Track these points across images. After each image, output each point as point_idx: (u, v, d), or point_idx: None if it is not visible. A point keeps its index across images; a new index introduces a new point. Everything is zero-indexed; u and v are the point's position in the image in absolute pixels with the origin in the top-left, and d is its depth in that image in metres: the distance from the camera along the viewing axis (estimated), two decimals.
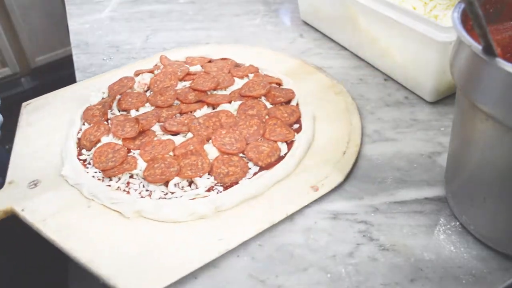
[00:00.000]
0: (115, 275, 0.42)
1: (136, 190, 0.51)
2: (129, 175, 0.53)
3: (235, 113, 0.60)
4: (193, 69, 0.70)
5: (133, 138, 0.57)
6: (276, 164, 0.52)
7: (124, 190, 0.51)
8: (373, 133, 0.58)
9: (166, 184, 0.51)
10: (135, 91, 0.66)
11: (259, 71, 0.69)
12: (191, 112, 0.61)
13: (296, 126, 0.58)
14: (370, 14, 0.65)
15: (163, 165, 0.52)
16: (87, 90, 0.68)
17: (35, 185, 0.53)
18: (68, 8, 0.96)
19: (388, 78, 0.68)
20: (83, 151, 0.57)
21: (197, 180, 0.51)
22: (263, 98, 0.62)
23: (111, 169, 0.53)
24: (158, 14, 0.92)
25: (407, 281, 0.41)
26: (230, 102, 0.62)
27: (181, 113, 0.61)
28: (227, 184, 0.51)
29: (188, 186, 0.51)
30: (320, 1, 0.77)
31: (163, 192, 0.50)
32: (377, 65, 0.69)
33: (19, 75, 1.85)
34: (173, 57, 0.73)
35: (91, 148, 0.57)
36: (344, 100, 0.62)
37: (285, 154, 0.54)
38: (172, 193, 0.50)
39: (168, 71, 0.68)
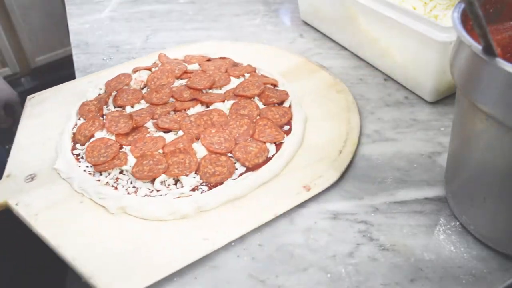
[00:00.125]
0: (96, 274, 0.43)
1: (123, 186, 0.52)
2: (119, 170, 0.53)
3: (227, 112, 0.60)
4: (191, 67, 0.70)
5: (126, 134, 0.58)
6: (263, 165, 0.52)
7: (112, 186, 0.52)
8: (373, 133, 0.58)
9: (153, 181, 0.51)
10: (131, 88, 0.66)
11: (257, 71, 0.69)
12: (185, 110, 0.61)
13: (287, 127, 0.58)
14: (370, 14, 0.65)
15: (151, 162, 0.53)
16: (91, 85, 0.69)
17: (32, 179, 0.54)
18: (68, 8, 0.96)
19: (388, 78, 0.68)
20: (77, 145, 0.58)
21: (183, 178, 0.51)
22: (256, 99, 0.62)
23: (102, 164, 0.54)
24: (158, 14, 0.92)
25: (407, 281, 0.41)
26: (223, 101, 0.62)
27: (175, 111, 0.62)
28: (212, 184, 0.51)
29: (174, 184, 0.51)
30: (320, 1, 0.77)
31: (149, 189, 0.51)
32: (377, 65, 0.69)
33: (19, 75, 1.85)
34: (173, 55, 0.74)
35: (85, 142, 0.58)
36: (345, 99, 0.62)
37: (273, 155, 0.54)
38: (158, 190, 0.51)
39: (166, 68, 0.69)
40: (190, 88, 0.65)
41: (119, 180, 0.52)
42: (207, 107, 0.62)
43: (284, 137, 0.56)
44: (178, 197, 0.49)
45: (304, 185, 0.50)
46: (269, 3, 0.93)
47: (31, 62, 1.87)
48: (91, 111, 0.63)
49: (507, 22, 0.42)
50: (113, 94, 0.65)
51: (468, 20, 0.34)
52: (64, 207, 0.50)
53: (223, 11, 0.91)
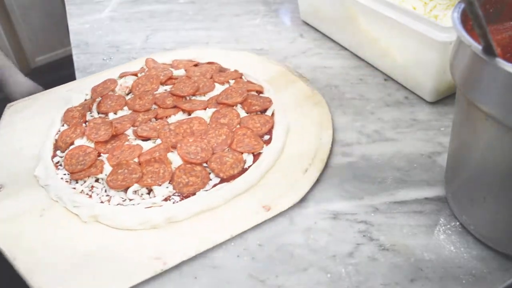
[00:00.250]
0: None
1: (98, 194, 0.51)
2: (95, 179, 0.53)
3: (208, 120, 0.59)
4: (176, 73, 0.69)
5: (106, 142, 0.57)
6: (238, 176, 0.51)
7: (87, 194, 0.52)
8: (373, 133, 0.58)
9: (126, 190, 0.51)
10: (116, 94, 0.66)
11: (243, 77, 0.68)
12: (166, 117, 0.60)
13: (267, 137, 0.57)
14: (370, 14, 0.65)
15: (126, 171, 0.52)
16: (73, 92, 0.68)
17: None
18: (68, 8, 0.96)
19: (388, 78, 0.68)
20: (58, 152, 0.58)
21: (155, 188, 0.51)
22: (239, 106, 0.61)
23: (78, 172, 0.53)
24: (158, 14, 0.92)
25: (407, 281, 0.41)
26: (205, 109, 0.61)
27: (156, 118, 0.61)
28: (184, 195, 0.50)
29: (147, 194, 0.51)
30: (320, 1, 0.77)
31: (122, 198, 0.50)
32: (377, 65, 0.69)
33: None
34: (161, 59, 0.73)
35: (66, 149, 0.57)
36: (320, 112, 0.60)
37: (249, 167, 0.53)
38: (131, 199, 0.50)
39: (151, 74, 0.68)
40: (173, 95, 0.64)
41: (94, 188, 0.52)
42: (189, 114, 0.61)
43: (263, 147, 0.55)
44: (150, 207, 0.49)
45: (264, 204, 0.49)
46: (269, 3, 0.93)
47: (31, 62, 1.87)
48: (74, 117, 0.62)
49: (507, 22, 0.42)
50: (98, 100, 0.64)
51: (468, 20, 0.34)
52: (25, 218, 0.50)
53: (223, 11, 0.91)
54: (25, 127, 0.63)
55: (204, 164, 0.53)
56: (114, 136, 0.58)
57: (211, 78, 0.67)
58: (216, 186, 0.51)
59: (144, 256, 0.44)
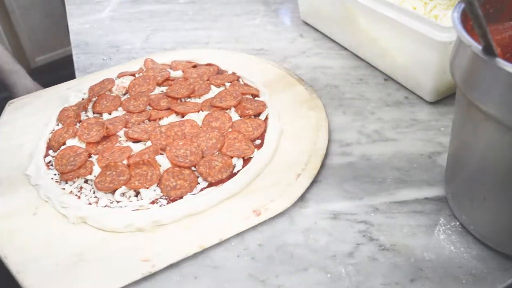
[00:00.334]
0: None
1: (86, 195, 0.51)
2: (84, 180, 0.53)
3: (201, 123, 0.59)
4: (174, 74, 0.68)
5: (97, 143, 0.57)
6: (226, 180, 0.51)
7: (76, 195, 0.51)
8: (373, 133, 0.58)
9: (114, 192, 0.51)
10: (112, 94, 0.65)
11: (241, 79, 0.67)
12: (159, 119, 0.60)
13: (260, 141, 0.56)
14: (370, 14, 0.64)
15: (114, 173, 0.52)
16: (71, 91, 0.68)
17: None
18: (68, 8, 0.96)
19: (388, 78, 0.68)
20: (50, 151, 0.58)
21: (142, 191, 0.50)
22: (233, 109, 0.60)
23: (68, 172, 0.53)
24: (158, 14, 0.92)
25: (407, 281, 0.41)
26: (198, 112, 0.61)
27: (149, 120, 0.60)
28: (171, 198, 0.50)
29: (134, 196, 0.51)
30: (320, 1, 0.77)
31: (110, 200, 0.50)
32: (377, 65, 0.69)
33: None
34: (161, 59, 0.73)
35: (58, 149, 0.57)
36: (317, 117, 0.59)
37: (238, 171, 0.52)
38: (118, 202, 0.50)
39: (149, 75, 0.67)
40: (168, 96, 0.63)
41: (82, 189, 0.52)
42: (182, 117, 0.60)
43: (253, 151, 0.54)
44: (137, 210, 0.49)
45: (254, 209, 0.48)
46: (269, 3, 0.93)
47: (31, 62, 1.87)
48: (69, 117, 0.62)
49: (507, 22, 0.42)
50: (94, 100, 0.64)
51: (468, 20, 0.34)
52: (18, 217, 0.50)
53: (223, 11, 0.91)
54: (24, 124, 0.63)
55: (193, 168, 0.53)
56: (106, 137, 0.57)
57: (207, 80, 0.66)
58: (204, 190, 0.50)
59: (132, 258, 0.44)
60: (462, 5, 0.38)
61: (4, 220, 0.50)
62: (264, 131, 0.57)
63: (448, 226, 0.45)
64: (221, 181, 0.51)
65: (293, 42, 0.79)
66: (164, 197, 0.50)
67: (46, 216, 0.50)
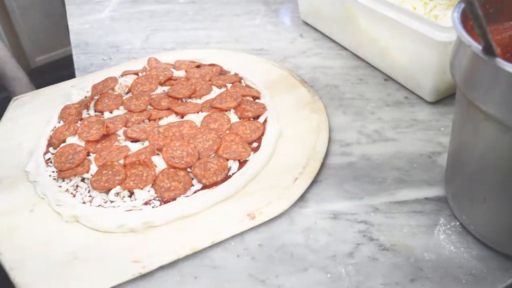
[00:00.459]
0: (29, 286, 0.43)
1: (81, 194, 0.51)
2: (80, 178, 0.53)
3: (199, 124, 0.58)
4: (177, 74, 0.68)
5: (96, 141, 0.56)
6: (221, 183, 0.51)
7: (71, 193, 0.51)
8: (373, 133, 0.58)
9: (108, 191, 0.51)
10: (114, 93, 0.65)
11: (243, 80, 0.67)
12: (159, 119, 0.60)
13: (256, 144, 0.56)
14: (370, 14, 0.65)
15: (110, 172, 0.52)
16: (74, 89, 0.68)
17: None
18: (68, 8, 0.96)
19: (388, 78, 0.68)
20: (50, 149, 0.58)
21: (136, 191, 0.50)
22: (232, 111, 0.60)
23: (66, 170, 0.53)
24: (158, 14, 0.92)
25: (407, 281, 0.41)
26: (198, 113, 0.60)
27: (149, 120, 0.60)
28: (164, 199, 0.49)
29: (128, 196, 0.50)
30: (320, 1, 0.77)
31: (104, 200, 0.50)
32: (377, 65, 0.69)
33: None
34: (165, 59, 0.73)
35: (58, 146, 0.57)
36: (318, 120, 0.59)
37: (234, 174, 0.52)
38: (112, 201, 0.50)
39: (152, 74, 0.67)
40: (169, 96, 0.63)
41: (78, 188, 0.52)
42: (181, 117, 0.60)
43: (250, 154, 0.54)
44: (130, 210, 0.48)
45: (249, 212, 0.48)
46: (269, 3, 0.93)
47: (31, 62, 1.87)
48: (71, 115, 0.62)
49: (507, 22, 0.42)
50: (96, 98, 0.64)
51: (468, 20, 0.34)
52: (15, 214, 0.50)
53: (223, 11, 0.91)
54: (27, 121, 0.64)
55: (189, 169, 0.52)
56: (106, 136, 0.57)
57: (209, 80, 0.66)
58: (198, 192, 0.50)
59: (124, 259, 0.44)
60: (462, 5, 0.38)
61: (3, 217, 0.50)
62: (262, 133, 0.57)
63: (448, 226, 0.45)
64: (216, 184, 0.51)
65: (293, 42, 0.79)
66: (157, 199, 0.50)
67: (42, 214, 0.50)
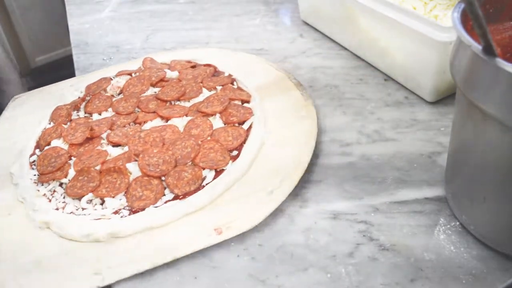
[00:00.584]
0: None
1: (57, 199, 0.50)
2: (59, 183, 0.52)
3: (182, 129, 0.56)
4: (169, 75, 0.66)
5: (80, 144, 0.55)
6: (193, 193, 0.49)
7: (48, 198, 0.50)
8: (373, 133, 0.58)
9: (81, 198, 0.50)
10: (106, 94, 0.64)
11: (235, 82, 0.65)
12: (145, 122, 0.58)
13: (236, 152, 0.53)
14: (370, 14, 0.64)
15: (86, 179, 0.50)
16: (68, 89, 0.68)
17: None
18: (68, 8, 0.96)
19: (388, 78, 0.68)
20: (37, 151, 0.57)
21: (107, 200, 0.49)
22: (218, 116, 0.58)
23: (48, 173, 0.52)
24: (158, 14, 0.92)
25: (407, 281, 0.41)
26: (183, 116, 0.58)
27: (135, 123, 0.59)
28: (134, 209, 0.48)
29: (100, 204, 0.49)
30: (320, 1, 0.77)
31: (76, 207, 0.49)
32: (377, 65, 0.69)
33: (19, 75, 1.85)
34: (162, 59, 0.72)
35: (44, 149, 0.56)
36: (306, 128, 0.56)
37: (207, 184, 0.50)
38: (84, 209, 0.49)
39: (144, 75, 0.66)
40: (157, 98, 0.61)
41: (55, 193, 0.51)
42: (166, 121, 0.58)
43: (228, 163, 0.51)
44: (99, 219, 0.47)
45: (216, 226, 0.45)
46: (269, 3, 0.93)
47: (31, 62, 1.87)
48: (61, 116, 0.61)
49: (507, 22, 0.42)
50: (88, 99, 0.63)
51: (468, 20, 0.34)
52: None
53: (223, 11, 0.91)
54: (25, 121, 0.63)
55: (163, 178, 0.51)
56: (90, 139, 0.56)
57: (201, 82, 0.64)
58: (168, 203, 0.48)
59: (86, 270, 0.43)
60: (462, 5, 0.38)
61: None
62: (244, 141, 0.54)
63: (448, 226, 0.45)
64: (189, 194, 0.49)
65: (293, 42, 0.79)
66: (127, 208, 0.48)
67: (18, 218, 0.49)
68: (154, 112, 0.60)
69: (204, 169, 0.51)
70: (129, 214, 0.48)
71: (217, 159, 0.52)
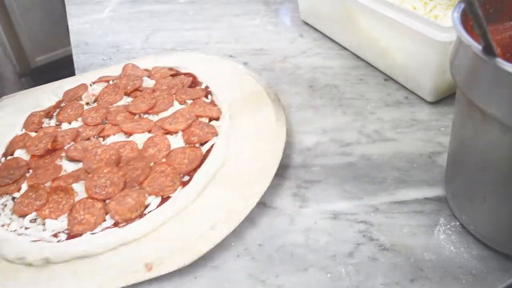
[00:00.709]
0: None
1: (6, 215, 0.47)
2: (11, 197, 0.49)
3: (141, 147, 0.52)
4: (147, 83, 0.63)
5: (41, 156, 0.52)
6: (134, 221, 0.45)
7: None
8: (373, 133, 0.58)
9: (25, 217, 0.47)
10: (80, 102, 0.60)
11: (210, 96, 0.60)
12: (107, 136, 0.55)
13: (188, 178, 0.49)
14: (370, 14, 0.65)
15: (34, 196, 0.48)
16: (46, 93, 0.64)
17: None
18: (68, 8, 0.96)
19: (388, 78, 0.68)
20: (3, 159, 0.54)
21: (48, 221, 0.46)
22: (180, 134, 0.54)
23: (5, 186, 0.49)
24: (158, 14, 0.92)
25: (407, 281, 0.41)
26: (145, 132, 0.54)
27: (99, 136, 0.55)
28: (72, 233, 0.45)
29: (43, 224, 0.46)
30: (320, 1, 0.77)
31: (20, 225, 0.46)
32: (377, 65, 0.69)
33: (19, 75, 1.85)
34: (145, 64, 0.68)
35: (7, 158, 0.53)
36: (270, 155, 0.50)
37: (149, 212, 0.46)
38: (27, 228, 0.46)
39: (120, 83, 0.62)
40: (127, 110, 0.57)
41: (6, 207, 0.48)
42: (129, 136, 0.54)
43: (175, 190, 0.47)
44: (37, 241, 0.44)
45: (147, 262, 0.42)
46: (269, 3, 0.93)
47: (31, 62, 1.87)
48: (34, 123, 0.57)
49: (507, 22, 0.42)
50: (63, 105, 0.60)
51: (468, 20, 0.34)
52: None
53: (223, 11, 0.91)
54: (9, 123, 0.60)
55: (108, 201, 0.47)
56: (53, 151, 0.53)
57: (174, 94, 0.60)
58: (105, 230, 0.44)
59: None
60: (462, 5, 0.38)
61: None
62: (199, 165, 0.49)
63: (448, 226, 0.45)
64: (130, 221, 0.45)
65: (293, 42, 0.79)
66: (66, 231, 0.45)
67: None
68: (116, 125, 0.56)
69: (150, 194, 0.47)
70: (67, 238, 0.44)
71: (165, 184, 0.48)
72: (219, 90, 0.61)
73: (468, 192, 0.43)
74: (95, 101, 0.62)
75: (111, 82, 0.64)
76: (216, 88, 0.61)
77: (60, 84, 0.68)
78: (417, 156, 0.54)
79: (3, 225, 0.46)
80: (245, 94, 0.61)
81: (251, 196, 0.46)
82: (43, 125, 0.58)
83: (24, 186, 0.49)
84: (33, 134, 0.57)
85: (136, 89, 0.62)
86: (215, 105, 0.59)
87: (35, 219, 0.47)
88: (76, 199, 0.47)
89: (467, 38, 0.34)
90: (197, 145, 0.52)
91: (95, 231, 0.45)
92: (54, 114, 0.59)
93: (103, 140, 0.55)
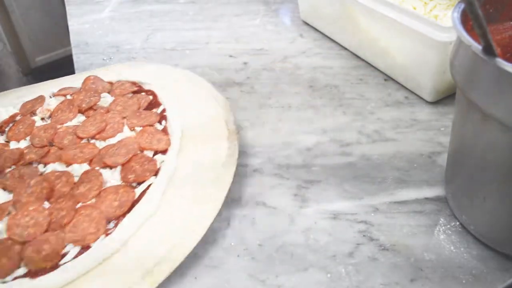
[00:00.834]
0: None
1: None
2: None
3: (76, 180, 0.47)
4: (105, 101, 0.57)
5: None
6: (50, 271, 0.39)
7: None
8: (373, 133, 0.58)
9: None
10: (33, 117, 0.55)
11: (165, 121, 0.53)
12: (49, 163, 0.49)
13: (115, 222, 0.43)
14: (370, 14, 0.65)
15: None
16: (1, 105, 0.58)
17: None
18: (68, 8, 0.96)
19: (388, 78, 0.68)
20: None
21: None
22: (119, 169, 0.48)
23: None
24: (158, 14, 0.92)
25: (407, 281, 0.41)
26: (83, 163, 0.49)
27: (40, 162, 0.49)
28: None
29: None
30: (320, 1, 0.77)
31: None
32: (377, 65, 0.69)
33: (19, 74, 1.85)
34: (108, 77, 0.61)
35: None
36: (212, 197, 0.45)
37: (65, 263, 0.40)
38: None
39: (77, 99, 0.56)
40: (74, 133, 0.52)
41: None
42: (68, 166, 0.48)
43: (97, 239, 0.41)
44: None
45: None
46: (269, 3, 0.93)
47: (31, 62, 1.87)
48: None
49: (507, 22, 0.42)
50: (17, 119, 0.54)
51: (468, 20, 0.34)
52: None
53: (223, 11, 0.91)
54: None
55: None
56: None
57: (124, 118, 0.53)
58: (16, 280, 0.39)
59: None
60: (462, 5, 0.38)
61: None
62: (129, 210, 0.44)
63: (448, 226, 0.45)
64: (44, 271, 0.39)
65: (293, 42, 0.79)
66: None
67: None
68: (62, 149, 0.50)
69: (69, 243, 0.42)
70: None
71: (87, 231, 0.42)
72: (176, 115, 0.55)
73: (468, 192, 0.43)
74: (49, 116, 0.56)
75: (68, 97, 0.57)
76: (173, 112, 0.55)
77: (22, 94, 0.60)
78: (417, 156, 0.54)
79: None
80: (202, 120, 0.54)
81: (187, 241, 0.42)
82: None
83: None
84: None
85: (91, 108, 0.56)
86: (166, 133, 0.52)
87: None
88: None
89: (467, 38, 0.34)
90: (134, 183, 0.46)
91: (6, 279, 0.39)
92: (6, 129, 0.54)
93: (44, 167, 0.49)
